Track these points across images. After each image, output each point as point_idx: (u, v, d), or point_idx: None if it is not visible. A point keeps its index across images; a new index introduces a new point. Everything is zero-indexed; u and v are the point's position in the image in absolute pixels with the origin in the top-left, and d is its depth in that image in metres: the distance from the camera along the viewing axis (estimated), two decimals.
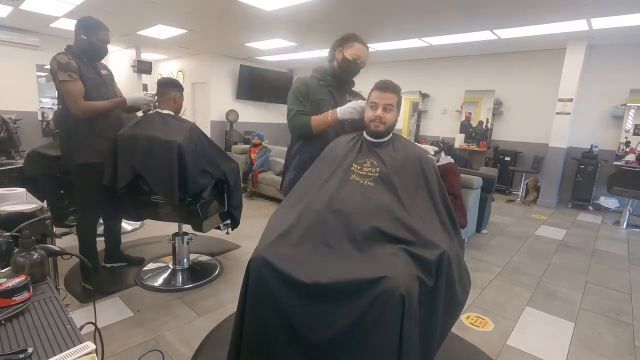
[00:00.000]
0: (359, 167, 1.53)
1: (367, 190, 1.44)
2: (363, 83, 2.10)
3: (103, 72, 2.33)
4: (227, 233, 2.68)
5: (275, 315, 1.21)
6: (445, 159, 3.34)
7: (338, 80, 1.84)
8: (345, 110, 1.68)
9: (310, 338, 1.18)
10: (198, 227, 2.37)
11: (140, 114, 2.48)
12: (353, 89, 1.96)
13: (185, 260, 2.69)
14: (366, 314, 1.12)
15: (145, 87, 9.67)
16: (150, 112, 2.36)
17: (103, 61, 2.40)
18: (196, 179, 2.16)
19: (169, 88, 2.34)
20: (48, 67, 2.26)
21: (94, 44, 2.17)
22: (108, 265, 2.67)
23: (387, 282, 1.12)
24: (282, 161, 4.90)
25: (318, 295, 1.17)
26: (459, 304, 1.38)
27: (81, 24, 2.15)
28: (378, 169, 1.50)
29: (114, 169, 2.19)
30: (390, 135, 1.63)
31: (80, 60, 2.14)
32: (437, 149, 3.40)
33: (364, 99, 1.71)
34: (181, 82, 9.01)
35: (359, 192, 1.44)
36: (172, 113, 2.33)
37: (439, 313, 1.26)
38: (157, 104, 2.36)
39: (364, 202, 1.39)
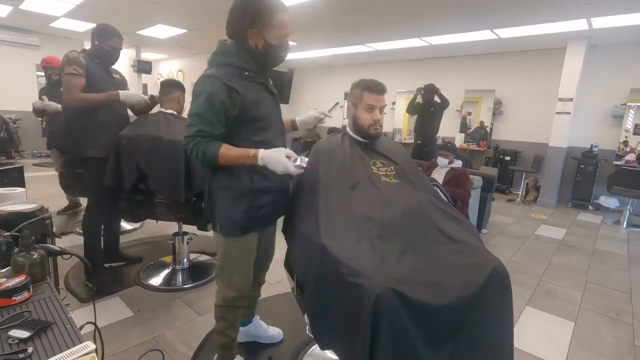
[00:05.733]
0: (375, 169, 1.45)
1: (398, 188, 1.42)
2: None
3: (115, 75, 2.41)
4: None
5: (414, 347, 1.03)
6: (456, 162, 3.33)
7: (262, 68, 1.43)
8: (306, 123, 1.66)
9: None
10: (203, 227, 2.36)
11: (130, 113, 2.46)
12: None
13: (185, 260, 2.69)
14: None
15: (145, 87, 9.67)
16: (153, 111, 2.37)
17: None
18: (201, 177, 2.16)
19: (173, 88, 2.38)
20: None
21: (103, 50, 2.28)
22: (107, 265, 2.66)
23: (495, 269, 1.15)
24: None
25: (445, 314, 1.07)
26: None
27: (94, 31, 2.28)
28: (392, 167, 1.48)
29: (117, 170, 2.18)
30: None
31: (93, 60, 2.23)
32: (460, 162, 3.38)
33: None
34: (181, 82, 9.09)
35: (396, 191, 1.40)
36: (175, 112, 2.35)
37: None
38: (159, 103, 2.39)
39: (406, 201, 1.35)
